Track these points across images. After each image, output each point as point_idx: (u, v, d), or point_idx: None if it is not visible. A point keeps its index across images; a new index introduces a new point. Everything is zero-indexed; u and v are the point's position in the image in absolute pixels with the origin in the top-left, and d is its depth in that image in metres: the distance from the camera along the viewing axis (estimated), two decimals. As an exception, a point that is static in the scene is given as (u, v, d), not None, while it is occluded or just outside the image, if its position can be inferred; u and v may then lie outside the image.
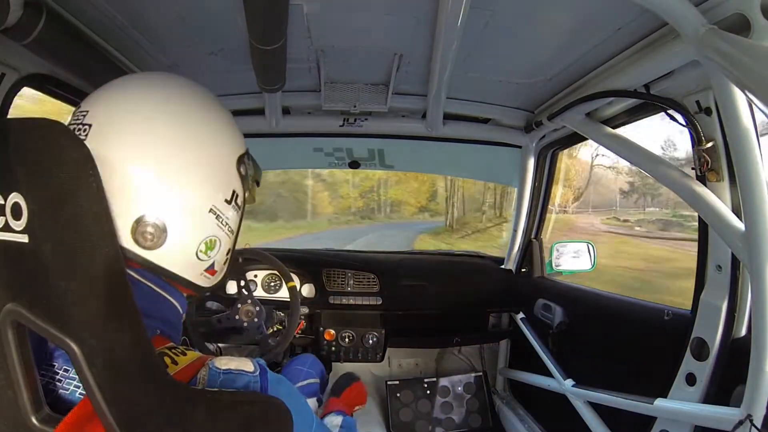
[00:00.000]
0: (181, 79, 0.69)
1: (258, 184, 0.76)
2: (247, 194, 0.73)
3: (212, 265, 0.68)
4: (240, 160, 0.70)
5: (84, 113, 0.60)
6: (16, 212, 0.45)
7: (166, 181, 0.60)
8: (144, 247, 0.59)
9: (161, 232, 0.59)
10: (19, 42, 0.88)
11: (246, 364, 0.59)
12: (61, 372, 0.53)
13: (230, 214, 0.68)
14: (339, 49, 1.30)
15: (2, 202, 0.46)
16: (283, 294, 2.00)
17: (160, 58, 1.27)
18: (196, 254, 0.65)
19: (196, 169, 0.63)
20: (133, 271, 0.60)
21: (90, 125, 0.59)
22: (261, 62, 1.17)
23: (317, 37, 1.22)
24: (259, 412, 0.54)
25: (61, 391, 0.52)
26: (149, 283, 0.62)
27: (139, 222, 0.58)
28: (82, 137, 0.58)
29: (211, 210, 0.65)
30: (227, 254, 0.71)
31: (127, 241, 0.58)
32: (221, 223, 0.67)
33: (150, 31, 1.13)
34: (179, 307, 0.66)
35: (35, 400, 0.48)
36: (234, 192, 0.68)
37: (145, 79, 0.70)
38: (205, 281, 0.68)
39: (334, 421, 1.05)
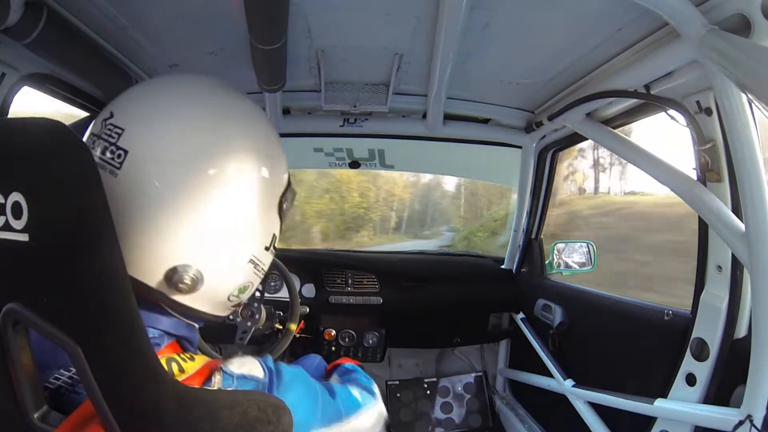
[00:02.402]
0: (239, 97, 0.64)
1: (293, 203, 0.71)
2: (282, 226, 0.68)
3: (239, 303, 0.67)
4: (283, 197, 0.65)
5: (118, 131, 0.54)
6: (17, 211, 0.45)
7: (210, 233, 0.56)
8: (176, 292, 0.56)
9: (197, 282, 0.56)
10: (20, 42, 0.88)
11: (257, 369, 0.59)
12: (74, 375, 0.53)
13: (266, 259, 0.65)
14: (339, 49, 1.30)
15: (2, 201, 0.46)
16: (283, 294, 2.00)
17: (160, 58, 1.27)
18: (228, 298, 0.63)
19: (243, 219, 0.59)
20: (163, 303, 0.59)
21: (126, 151, 0.53)
22: (261, 62, 1.17)
23: (317, 37, 1.22)
24: (257, 411, 0.54)
25: (72, 394, 0.52)
26: (171, 311, 0.60)
27: (175, 271, 0.55)
28: (115, 164, 0.53)
29: (250, 261, 0.62)
30: (255, 291, 0.69)
31: (158, 284, 0.55)
32: (258, 270, 0.64)
33: (150, 31, 1.13)
34: (196, 324, 0.66)
35: (36, 399, 0.48)
36: (273, 236, 0.65)
37: (196, 97, 0.61)
38: (227, 313, 0.68)
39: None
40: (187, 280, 0.55)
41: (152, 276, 0.54)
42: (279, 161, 0.65)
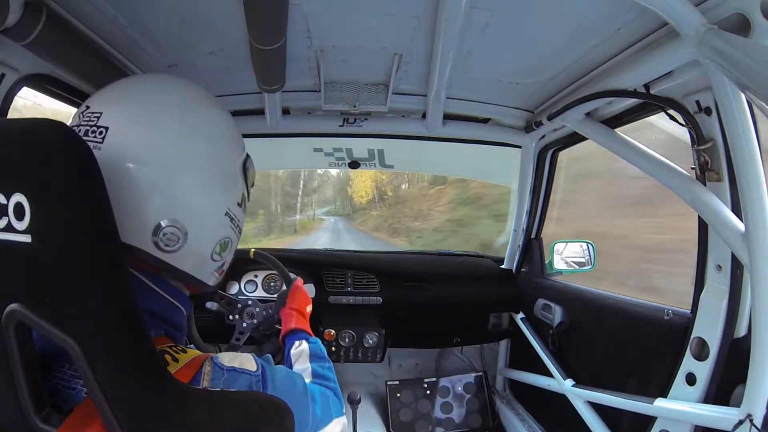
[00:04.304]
0: (190, 83, 0.71)
1: (252, 184, 0.79)
2: (248, 196, 0.75)
3: (222, 265, 0.71)
4: (244, 164, 0.72)
5: (97, 115, 0.60)
6: (19, 212, 0.45)
7: (188, 188, 0.61)
8: (163, 251, 0.60)
9: (182, 236, 0.61)
10: (19, 42, 0.88)
11: (249, 363, 0.60)
12: (70, 372, 0.54)
13: (240, 216, 0.71)
14: (339, 49, 1.30)
15: (5, 202, 0.46)
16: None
17: (160, 58, 1.27)
18: (211, 256, 0.67)
19: (214, 175, 0.65)
20: (144, 276, 0.61)
21: (107, 128, 0.58)
22: (261, 62, 1.17)
23: (317, 37, 1.22)
24: (259, 411, 0.54)
25: (68, 390, 0.53)
26: (158, 289, 0.63)
27: (160, 227, 0.59)
28: (98, 140, 0.58)
29: (226, 213, 0.67)
30: (233, 254, 0.74)
31: (146, 244, 0.58)
32: (234, 225, 0.69)
33: (150, 31, 1.13)
34: (183, 309, 0.68)
35: (38, 400, 0.48)
36: (243, 195, 0.72)
37: (158, 82, 0.70)
38: (213, 280, 0.70)
39: (301, 356, 1.00)
40: (172, 233, 0.60)
41: (139, 236, 0.58)
42: (235, 134, 0.73)
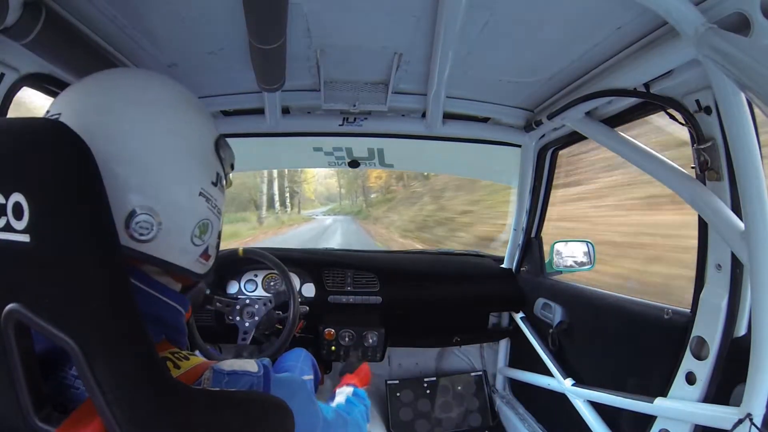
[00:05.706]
0: (142, 71, 0.70)
1: (233, 168, 0.76)
2: (226, 177, 0.73)
3: (206, 249, 0.68)
4: (217, 143, 0.70)
5: (57, 116, 0.58)
6: (18, 212, 0.45)
7: (154, 173, 0.59)
8: (139, 241, 0.58)
9: (155, 224, 0.58)
10: (19, 42, 0.88)
11: (250, 365, 0.60)
12: (71, 372, 0.53)
13: (217, 195, 0.68)
14: (339, 48, 1.30)
15: (3, 201, 0.46)
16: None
17: (160, 57, 1.27)
18: (191, 240, 0.64)
19: (181, 156, 0.62)
20: (133, 278, 0.59)
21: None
22: (260, 61, 1.17)
23: (317, 37, 1.22)
24: (259, 411, 0.54)
25: (73, 389, 0.53)
26: (149, 289, 0.61)
27: (131, 216, 0.57)
28: None
29: (201, 194, 0.64)
30: (218, 237, 0.71)
31: (121, 237, 0.56)
32: (211, 205, 0.67)
33: (149, 30, 1.13)
34: (180, 308, 0.66)
35: (37, 399, 0.48)
36: (218, 174, 0.69)
37: (112, 75, 0.68)
38: (200, 267, 0.67)
39: (346, 390, 1.15)
40: (145, 221, 0.58)
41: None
42: (199, 113, 0.69)
